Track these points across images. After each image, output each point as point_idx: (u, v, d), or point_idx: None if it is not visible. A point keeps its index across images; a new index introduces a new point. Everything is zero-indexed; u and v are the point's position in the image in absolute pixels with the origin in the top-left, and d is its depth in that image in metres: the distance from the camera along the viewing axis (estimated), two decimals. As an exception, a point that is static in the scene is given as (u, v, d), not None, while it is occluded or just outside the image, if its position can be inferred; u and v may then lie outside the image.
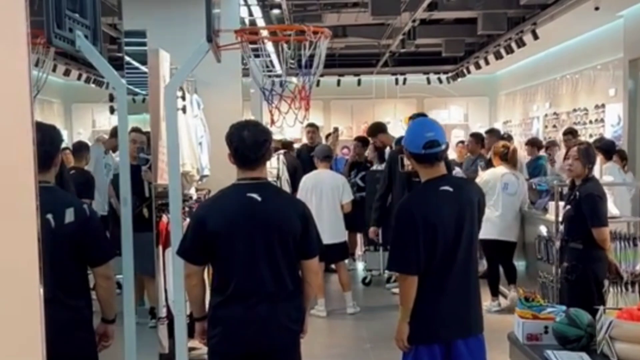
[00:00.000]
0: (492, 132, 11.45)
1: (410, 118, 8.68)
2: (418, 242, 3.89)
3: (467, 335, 4.08)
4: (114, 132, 8.69)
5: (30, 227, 1.25)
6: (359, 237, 11.20)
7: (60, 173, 5.57)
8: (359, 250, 11.56)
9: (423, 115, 8.70)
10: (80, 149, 8.57)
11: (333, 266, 10.06)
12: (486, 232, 8.26)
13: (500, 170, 8.37)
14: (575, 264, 5.53)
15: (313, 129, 11.50)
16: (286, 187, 9.52)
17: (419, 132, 4.05)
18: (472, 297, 4.11)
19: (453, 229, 3.95)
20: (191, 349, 5.71)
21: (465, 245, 3.99)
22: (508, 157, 8.35)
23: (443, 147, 4.01)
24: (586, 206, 5.54)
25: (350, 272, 10.94)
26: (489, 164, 9.43)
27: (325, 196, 8.23)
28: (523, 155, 11.46)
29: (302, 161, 10.53)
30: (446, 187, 4.00)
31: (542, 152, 11.37)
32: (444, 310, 3.99)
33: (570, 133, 11.06)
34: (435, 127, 4.11)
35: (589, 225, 5.51)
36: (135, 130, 5.86)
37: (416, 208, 3.98)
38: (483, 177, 8.63)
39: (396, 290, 9.56)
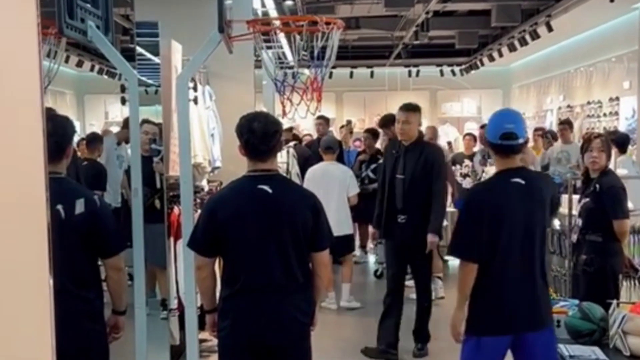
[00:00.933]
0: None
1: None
2: (481, 231, 3.90)
3: (535, 328, 4.06)
4: (126, 123, 8.68)
5: (40, 217, 1.25)
6: (371, 229, 11.14)
7: (74, 165, 5.60)
8: (370, 243, 11.53)
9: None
10: (93, 140, 8.58)
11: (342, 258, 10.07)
12: None
13: None
14: (594, 256, 5.50)
15: (321, 121, 11.44)
16: (296, 181, 9.50)
17: (500, 122, 4.06)
18: (539, 290, 4.08)
19: (521, 221, 3.95)
20: (202, 341, 5.72)
21: (533, 237, 3.99)
22: None
23: (520, 140, 4.01)
24: (608, 198, 5.49)
25: (362, 265, 10.96)
26: None
27: (331, 189, 8.17)
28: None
29: (314, 153, 10.51)
30: (518, 180, 3.99)
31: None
32: (512, 302, 3.98)
33: (567, 123, 11.06)
34: (517, 120, 4.12)
35: (611, 217, 5.47)
36: (147, 121, 5.86)
37: (484, 197, 4.00)
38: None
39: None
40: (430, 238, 6.44)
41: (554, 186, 4.33)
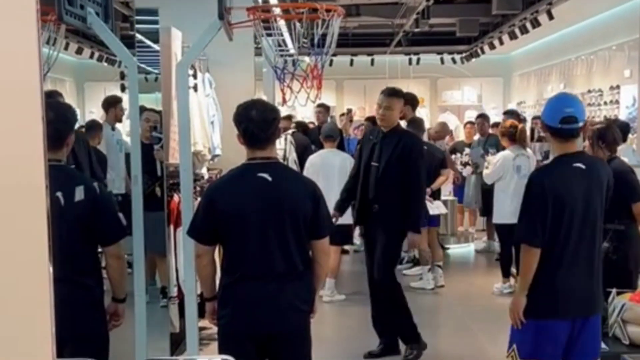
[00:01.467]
0: (510, 113, 11.37)
1: None
2: (546, 215, 3.90)
3: (590, 313, 4.07)
4: (106, 105, 8.57)
5: (39, 204, 1.24)
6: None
7: (88, 152, 5.59)
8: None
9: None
10: (92, 127, 8.53)
11: (347, 247, 10.05)
12: (499, 215, 8.27)
13: (511, 152, 8.31)
14: (618, 244, 5.48)
15: (321, 109, 11.40)
16: (294, 168, 9.48)
17: (559, 106, 4.05)
18: (596, 276, 4.10)
19: (581, 206, 3.95)
20: (202, 329, 5.73)
21: (592, 223, 4.00)
22: (517, 137, 8.27)
23: (580, 124, 4.01)
24: (622, 184, 5.47)
25: (361, 253, 10.94)
26: (499, 146, 9.38)
27: (331, 176, 8.13)
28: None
29: (313, 142, 10.49)
30: (579, 164, 3.99)
31: None
32: (574, 286, 3.99)
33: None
34: (576, 103, 4.11)
35: (630, 202, 5.46)
36: (148, 109, 5.85)
37: (548, 181, 3.97)
38: (494, 160, 8.57)
39: (406, 271, 9.60)
40: (410, 237, 6.20)
41: (610, 172, 4.30)
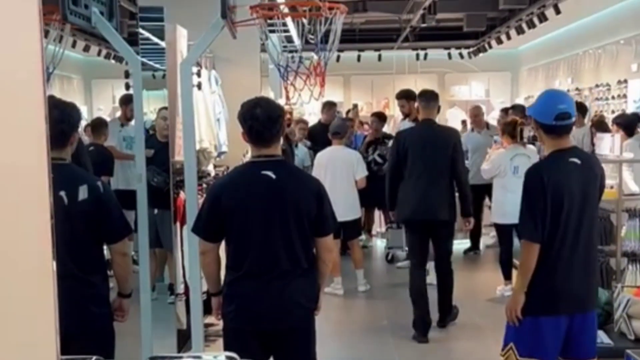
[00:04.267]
0: (515, 108, 11.33)
1: None
2: (545, 211, 3.91)
3: (586, 309, 4.08)
4: (122, 101, 8.66)
5: (43, 203, 1.26)
6: (378, 214, 11.16)
7: (78, 150, 5.60)
8: (376, 227, 11.53)
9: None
10: (98, 125, 8.58)
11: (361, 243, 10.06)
12: (497, 216, 8.13)
13: (509, 151, 8.05)
14: None
15: (328, 106, 11.44)
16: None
17: (552, 103, 4.06)
18: (593, 272, 4.13)
19: (578, 202, 3.95)
20: (208, 325, 5.76)
21: (589, 218, 4.01)
22: (516, 134, 8.04)
23: (573, 119, 4.03)
24: None
25: (368, 249, 10.97)
26: None
27: (339, 172, 8.14)
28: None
29: (315, 137, 10.47)
30: (574, 160, 4.00)
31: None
32: (571, 282, 3.99)
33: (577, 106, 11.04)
34: (568, 100, 4.13)
35: None
36: (166, 107, 5.88)
37: (546, 176, 3.96)
38: (491, 158, 8.35)
39: (400, 264, 9.61)
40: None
41: (602, 167, 4.31)
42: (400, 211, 7.00)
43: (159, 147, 5.75)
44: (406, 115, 9.15)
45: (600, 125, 10.09)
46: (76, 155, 5.00)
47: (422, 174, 6.73)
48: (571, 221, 3.93)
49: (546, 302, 3.99)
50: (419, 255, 6.90)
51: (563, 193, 3.92)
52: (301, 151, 9.99)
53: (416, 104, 7.87)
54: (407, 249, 9.75)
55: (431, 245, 7.03)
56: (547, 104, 4.10)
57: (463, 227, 7.57)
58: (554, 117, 3.96)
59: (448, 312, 7.03)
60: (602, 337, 4.84)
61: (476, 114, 10.90)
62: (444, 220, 6.77)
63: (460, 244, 10.58)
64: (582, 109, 11.10)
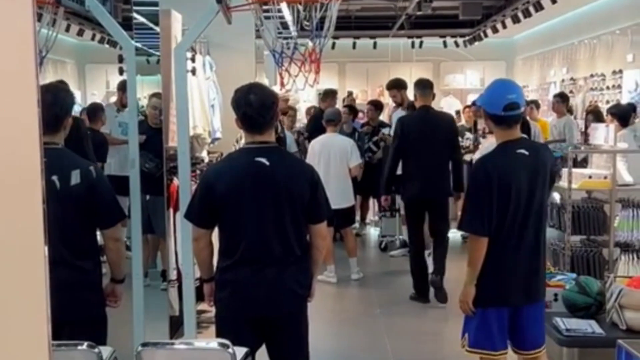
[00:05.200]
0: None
1: None
2: (492, 203, 3.90)
3: (533, 300, 4.10)
4: (120, 87, 8.63)
5: (35, 188, 1.25)
6: (373, 202, 11.17)
7: (80, 134, 5.56)
8: (371, 216, 11.54)
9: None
10: (95, 110, 8.53)
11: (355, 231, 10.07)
12: None
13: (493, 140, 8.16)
14: None
15: (331, 95, 11.47)
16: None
17: (500, 93, 4.03)
18: (540, 263, 4.12)
19: (526, 193, 3.95)
20: (200, 312, 5.75)
21: (536, 210, 4.00)
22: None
23: (522, 109, 4.01)
24: None
25: (362, 237, 10.98)
26: None
27: (333, 160, 8.12)
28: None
29: (315, 123, 10.45)
30: (522, 151, 3.98)
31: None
32: (516, 274, 4.00)
33: (560, 96, 11.09)
34: (517, 89, 4.10)
35: None
36: (156, 95, 5.85)
37: (492, 169, 3.96)
38: (483, 146, 8.37)
39: (393, 252, 9.64)
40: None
41: (553, 157, 4.30)
42: (405, 191, 7.62)
43: (150, 133, 5.72)
44: (399, 105, 9.15)
45: (596, 115, 10.10)
46: (78, 139, 4.98)
47: (423, 155, 7.34)
48: (518, 213, 3.93)
49: (493, 294, 4.01)
50: (420, 236, 7.59)
51: (509, 185, 3.91)
52: (289, 138, 9.97)
53: (410, 93, 8.42)
54: (400, 237, 9.80)
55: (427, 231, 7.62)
56: (496, 94, 4.07)
57: (456, 201, 7.91)
58: (503, 108, 3.93)
59: (442, 274, 7.48)
60: (594, 327, 4.86)
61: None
62: (444, 197, 7.53)
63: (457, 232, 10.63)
64: (563, 98, 11.12)
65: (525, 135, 4.35)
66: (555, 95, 11.69)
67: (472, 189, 4.10)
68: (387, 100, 10.27)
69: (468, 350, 4.13)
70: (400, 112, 8.78)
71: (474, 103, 8.62)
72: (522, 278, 4.02)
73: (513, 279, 4.00)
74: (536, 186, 3.98)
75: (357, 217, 11.20)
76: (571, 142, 9.82)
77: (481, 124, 9.44)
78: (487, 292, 4.01)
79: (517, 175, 3.93)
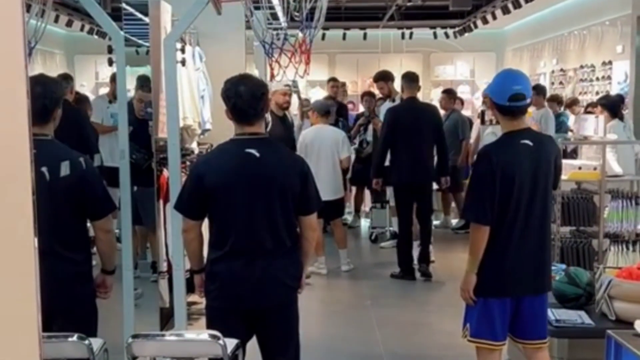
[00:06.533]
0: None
1: None
2: (494, 193, 3.90)
3: (536, 292, 4.10)
4: (113, 78, 8.61)
5: (24, 179, 1.24)
6: (366, 193, 11.17)
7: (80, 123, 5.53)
8: (364, 207, 11.53)
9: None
10: (80, 101, 8.50)
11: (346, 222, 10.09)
12: None
13: (491, 129, 8.32)
14: None
15: (337, 83, 11.53)
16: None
17: (506, 84, 4.03)
18: (545, 254, 4.11)
19: (529, 183, 3.94)
20: (191, 304, 5.75)
21: (540, 200, 3.99)
22: None
23: (528, 100, 4.01)
24: None
25: (355, 229, 10.98)
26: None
27: (323, 151, 8.11)
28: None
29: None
30: (527, 141, 3.98)
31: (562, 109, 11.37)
32: (519, 264, 4.00)
33: (534, 88, 11.15)
34: (524, 80, 4.10)
35: None
36: (142, 87, 5.82)
37: (495, 158, 3.95)
38: (484, 132, 8.54)
39: (384, 244, 9.66)
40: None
41: (558, 147, 4.30)
42: (396, 176, 8.07)
43: (137, 125, 5.70)
44: (387, 97, 9.18)
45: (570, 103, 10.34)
46: (80, 127, 4.95)
47: (412, 142, 7.90)
48: (522, 203, 3.93)
49: (495, 284, 4.01)
50: (409, 222, 8.08)
51: (513, 175, 3.91)
52: None
53: (396, 84, 8.92)
54: (391, 228, 9.81)
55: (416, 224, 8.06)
56: (503, 84, 4.07)
57: (443, 185, 8.72)
58: (508, 98, 3.94)
59: (428, 262, 8.19)
60: (584, 318, 4.88)
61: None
62: (430, 182, 8.25)
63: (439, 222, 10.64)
64: (540, 90, 11.15)
65: (530, 126, 4.35)
66: (533, 88, 11.72)
67: (474, 178, 4.11)
68: (377, 91, 10.25)
69: (470, 340, 4.12)
70: (388, 104, 8.86)
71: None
72: (525, 269, 4.01)
73: (515, 269, 4.00)
74: (539, 177, 3.98)
75: (351, 209, 11.22)
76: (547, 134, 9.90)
77: (489, 115, 9.50)
78: (488, 283, 4.00)
79: (521, 166, 3.94)
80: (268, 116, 6.99)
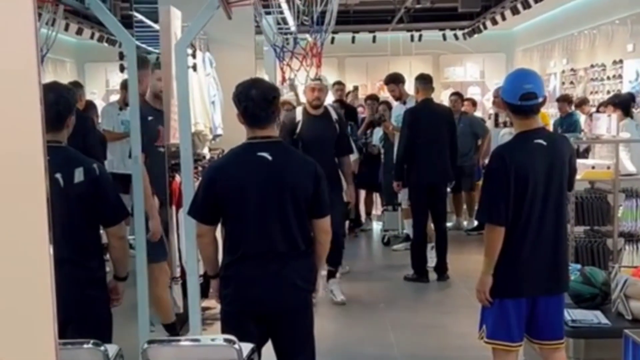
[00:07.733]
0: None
1: None
2: (508, 193, 3.88)
3: (552, 293, 4.08)
4: (123, 85, 8.63)
5: (39, 186, 1.25)
6: (375, 196, 11.17)
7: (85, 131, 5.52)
8: (374, 210, 11.53)
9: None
10: (87, 109, 8.52)
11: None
12: None
13: (508, 130, 8.32)
14: None
15: (342, 86, 11.54)
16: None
17: (518, 83, 4.02)
18: (560, 255, 4.09)
19: (543, 183, 3.92)
20: (205, 309, 5.75)
21: (554, 200, 3.97)
22: None
23: (540, 100, 3.98)
24: None
25: (367, 232, 10.98)
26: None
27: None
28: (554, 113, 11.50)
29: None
30: (540, 141, 3.96)
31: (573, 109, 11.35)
32: (534, 265, 3.98)
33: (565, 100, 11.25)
34: (535, 79, 4.07)
35: None
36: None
37: (509, 159, 3.93)
38: (500, 133, 8.55)
39: (396, 246, 9.64)
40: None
41: (572, 148, 4.28)
42: (414, 177, 8.10)
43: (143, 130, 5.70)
44: (397, 99, 9.17)
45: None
46: (84, 135, 4.96)
47: (430, 143, 7.95)
48: (536, 203, 3.91)
49: (509, 285, 3.99)
50: (424, 223, 8.13)
51: (527, 175, 3.89)
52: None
53: (410, 86, 8.86)
54: (404, 231, 9.78)
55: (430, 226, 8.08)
56: (514, 83, 4.06)
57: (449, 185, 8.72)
58: (519, 97, 3.92)
59: (445, 271, 8.20)
60: (600, 318, 4.85)
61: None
62: (446, 183, 8.33)
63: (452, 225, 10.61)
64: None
65: (544, 125, 4.33)
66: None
67: (488, 179, 4.09)
68: (388, 94, 10.25)
69: (486, 341, 4.10)
70: (400, 106, 8.85)
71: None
72: (540, 270, 3.99)
73: (531, 270, 3.98)
74: (554, 177, 3.96)
75: (362, 212, 11.21)
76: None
77: (503, 117, 9.53)
78: (504, 283, 3.98)
79: (534, 166, 3.92)
80: (299, 115, 6.80)
